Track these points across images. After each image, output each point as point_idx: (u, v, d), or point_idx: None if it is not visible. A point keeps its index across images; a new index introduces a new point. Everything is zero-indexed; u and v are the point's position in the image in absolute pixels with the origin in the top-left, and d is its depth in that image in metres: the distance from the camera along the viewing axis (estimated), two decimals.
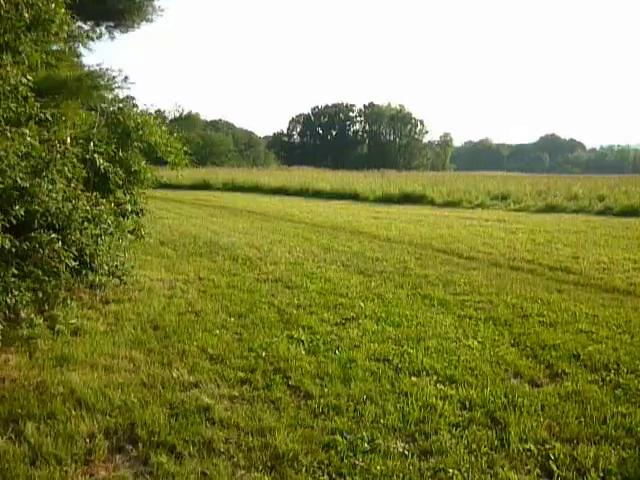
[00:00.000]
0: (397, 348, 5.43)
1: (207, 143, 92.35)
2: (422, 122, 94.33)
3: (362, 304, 7.08)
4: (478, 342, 5.62)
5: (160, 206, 21.85)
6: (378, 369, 4.89)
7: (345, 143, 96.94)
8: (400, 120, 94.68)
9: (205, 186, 33.24)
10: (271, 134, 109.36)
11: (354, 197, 26.15)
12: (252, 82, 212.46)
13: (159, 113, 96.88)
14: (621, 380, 4.62)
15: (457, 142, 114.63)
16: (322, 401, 4.25)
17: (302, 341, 5.65)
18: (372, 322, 6.31)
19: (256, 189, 31.63)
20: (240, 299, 7.28)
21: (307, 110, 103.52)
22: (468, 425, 3.89)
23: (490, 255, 10.68)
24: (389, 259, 10.19)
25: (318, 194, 28.18)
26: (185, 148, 8.97)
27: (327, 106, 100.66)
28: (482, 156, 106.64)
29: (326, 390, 4.45)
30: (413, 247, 11.72)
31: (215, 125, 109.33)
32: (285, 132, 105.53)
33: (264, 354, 5.26)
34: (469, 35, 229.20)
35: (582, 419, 3.96)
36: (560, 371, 4.88)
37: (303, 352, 5.34)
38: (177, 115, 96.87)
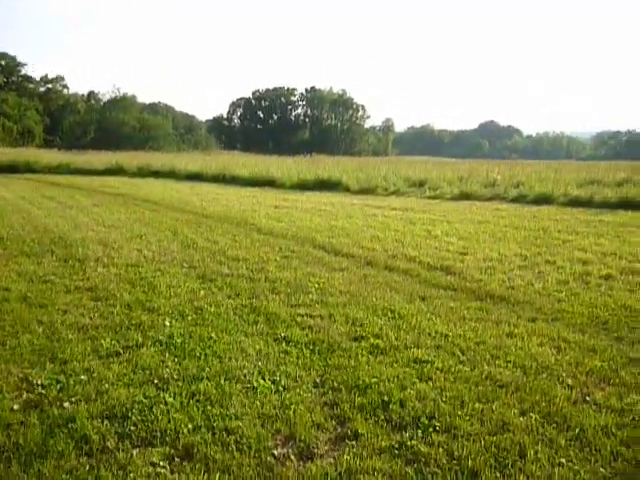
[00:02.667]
0: (153, 398, 3.97)
1: (144, 126, 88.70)
2: (364, 107, 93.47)
3: (168, 322, 5.61)
4: (271, 382, 4.23)
5: (51, 194, 19.85)
6: (94, 439, 3.43)
7: (287, 127, 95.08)
8: (342, 105, 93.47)
9: (119, 171, 30.98)
10: (212, 118, 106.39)
11: (271, 183, 24.67)
12: (192, 64, 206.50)
13: (93, 95, 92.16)
14: (422, 448, 3.32)
15: (400, 128, 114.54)
16: None
17: (37, 385, 4.13)
18: (156, 352, 4.84)
19: (173, 175, 29.70)
20: (15, 318, 5.69)
21: (248, 94, 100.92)
22: None
23: (372, 252, 9.40)
24: (250, 258, 8.75)
25: (235, 180, 26.58)
26: None
27: (268, 90, 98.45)
28: (424, 142, 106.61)
29: None
30: (292, 242, 10.33)
31: (154, 108, 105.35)
32: (225, 116, 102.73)
33: None
34: (411, 23, 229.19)
35: None
36: (353, 432, 3.55)
37: (16, 406, 3.82)
38: (113, 97, 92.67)
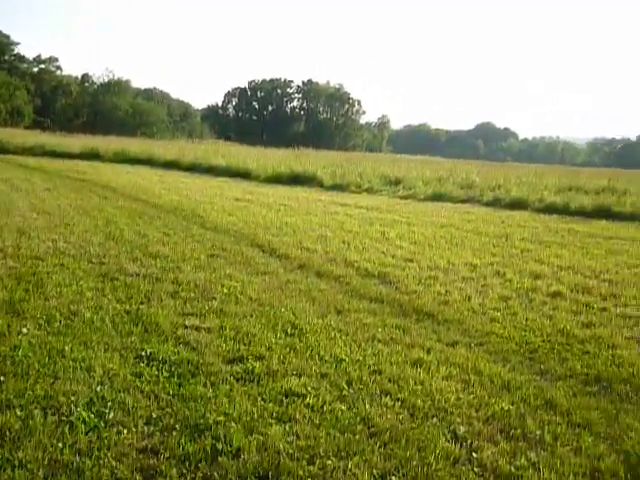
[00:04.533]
0: None
1: (137, 112, 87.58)
2: (359, 102, 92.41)
3: (26, 330, 4.82)
4: (96, 415, 3.43)
5: (8, 175, 18.89)
6: None
7: (282, 119, 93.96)
8: (338, 99, 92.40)
9: (94, 156, 29.98)
10: (207, 106, 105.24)
11: (246, 175, 23.83)
12: (189, 50, 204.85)
13: (87, 77, 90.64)
14: None
15: (397, 125, 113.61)
16: None
17: None
18: None
19: (150, 162, 28.76)
20: None
21: (244, 84, 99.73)
22: None
23: (310, 253, 8.62)
24: (171, 255, 7.95)
25: (211, 170, 25.71)
26: None
27: (264, 80, 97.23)
28: (420, 140, 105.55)
29: None
30: (230, 238, 9.56)
31: (149, 93, 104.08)
32: (220, 105, 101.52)
33: None
34: (411, 20, 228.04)
35: None
36: None
37: None
38: (106, 80, 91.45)
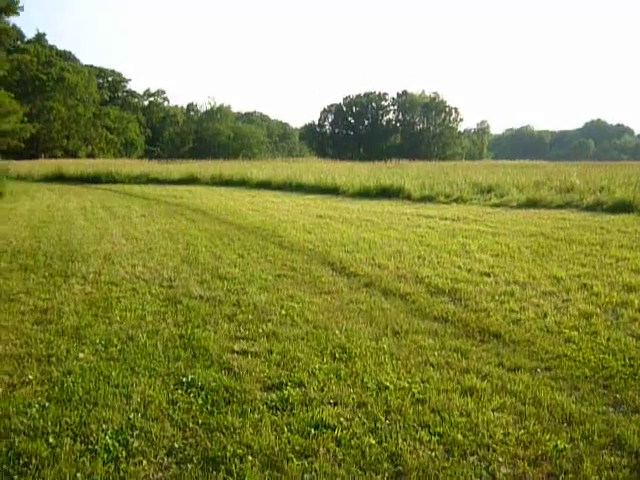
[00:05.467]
0: None
1: (238, 135, 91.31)
2: (457, 110, 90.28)
3: (83, 354, 5.00)
4: (122, 444, 3.43)
5: (111, 203, 20.26)
6: None
7: (378, 133, 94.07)
8: (434, 108, 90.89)
9: (193, 180, 31.57)
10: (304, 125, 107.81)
11: (334, 191, 23.88)
12: (286, 72, 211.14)
13: (192, 106, 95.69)
14: None
15: (498, 130, 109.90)
16: None
17: None
18: (32, 394, 4.21)
19: (243, 183, 29.78)
20: None
21: (339, 100, 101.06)
22: None
23: (381, 270, 8.34)
24: (239, 277, 8.01)
25: (301, 188, 26.08)
26: None
27: (359, 95, 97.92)
28: (523, 144, 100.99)
29: None
30: (303, 257, 9.49)
31: (250, 117, 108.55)
32: (317, 123, 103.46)
33: None
34: (504, 17, 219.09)
35: None
36: None
37: None
38: (209, 108, 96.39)
